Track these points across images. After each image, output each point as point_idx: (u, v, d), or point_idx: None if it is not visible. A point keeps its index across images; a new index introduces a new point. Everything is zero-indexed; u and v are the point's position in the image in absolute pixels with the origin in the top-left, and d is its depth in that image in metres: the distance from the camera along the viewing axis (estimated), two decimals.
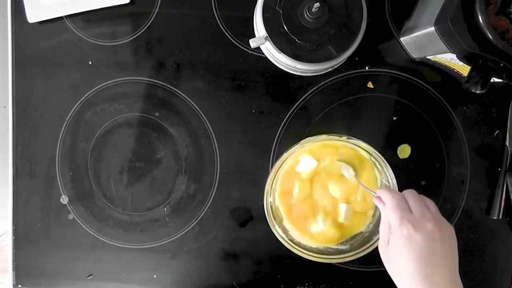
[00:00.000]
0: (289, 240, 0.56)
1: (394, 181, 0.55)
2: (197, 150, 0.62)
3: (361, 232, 0.58)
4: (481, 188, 0.61)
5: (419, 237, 0.43)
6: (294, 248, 0.56)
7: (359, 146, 0.56)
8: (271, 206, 0.57)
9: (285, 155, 0.56)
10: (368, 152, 0.56)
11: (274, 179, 0.57)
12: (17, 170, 0.62)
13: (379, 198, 0.49)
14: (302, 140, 0.56)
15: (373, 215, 0.58)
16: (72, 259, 0.62)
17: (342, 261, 0.55)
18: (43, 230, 0.62)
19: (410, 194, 0.48)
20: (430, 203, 0.48)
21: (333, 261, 0.56)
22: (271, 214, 0.56)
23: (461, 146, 0.61)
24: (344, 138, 0.55)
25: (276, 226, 0.56)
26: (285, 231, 0.57)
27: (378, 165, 0.56)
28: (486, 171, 0.61)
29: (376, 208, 0.58)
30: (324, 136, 0.56)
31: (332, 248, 0.57)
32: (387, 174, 0.55)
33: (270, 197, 0.57)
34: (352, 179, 0.56)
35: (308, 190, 0.58)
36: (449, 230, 0.46)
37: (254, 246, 0.61)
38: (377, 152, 0.54)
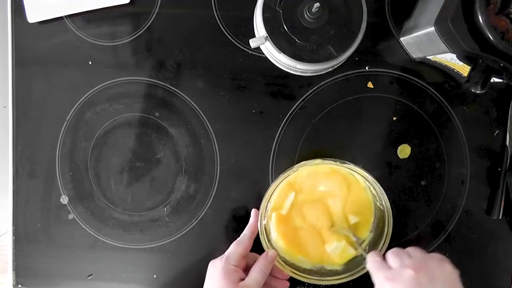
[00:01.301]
0: (283, 261, 0.56)
1: (388, 205, 0.55)
2: (197, 150, 0.62)
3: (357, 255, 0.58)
4: (481, 188, 0.61)
5: None
6: (287, 269, 0.56)
7: (353, 171, 0.56)
8: (265, 228, 0.57)
9: (280, 178, 0.56)
10: (363, 177, 0.56)
11: (268, 202, 0.57)
12: (17, 170, 0.62)
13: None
14: (297, 164, 0.57)
15: (368, 238, 0.58)
16: (72, 259, 0.62)
17: (335, 283, 0.55)
18: (43, 230, 0.62)
19: (389, 253, 0.49)
20: (413, 250, 0.48)
21: (326, 283, 0.56)
22: (265, 236, 0.56)
23: (461, 146, 0.61)
24: (338, 162, 0.55)
25: (270, 248, 0.56)
26: (278, 252, 0.57)
27: (372, 189, 0.57)
28: (486, 171, 0.61)
29: (371, 230, 0.58)
30: (318, 161, 0.56)
31: (326, 269, 0.57)
32: (382, 198, 0.55)
33: (264, 219, 0.57)
34: (349, 235, 0.57)
35: (303, 216, 0.58)
36: (442, 269, 0.45)
37: (254, 246, 0.61)
38: (372, 177, 0.55)
